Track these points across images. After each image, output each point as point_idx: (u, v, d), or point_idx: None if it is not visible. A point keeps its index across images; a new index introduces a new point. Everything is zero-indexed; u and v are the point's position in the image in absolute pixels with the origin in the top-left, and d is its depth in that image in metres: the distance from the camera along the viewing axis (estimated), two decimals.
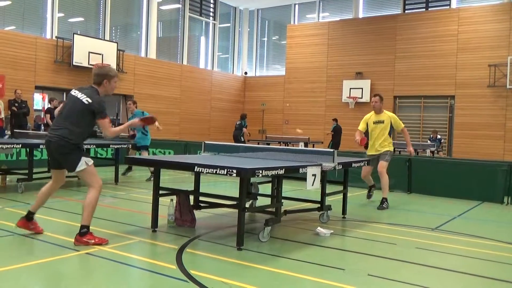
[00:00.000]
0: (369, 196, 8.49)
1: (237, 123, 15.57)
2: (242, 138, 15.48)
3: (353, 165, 6.56)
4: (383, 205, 7.65)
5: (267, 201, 6.00)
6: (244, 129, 15.55)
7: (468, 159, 11.94)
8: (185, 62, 21.42)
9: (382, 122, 7.86)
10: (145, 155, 10.74)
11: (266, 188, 6.88)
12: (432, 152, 15.28)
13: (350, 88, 20.13)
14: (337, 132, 17.34)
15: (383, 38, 19.88)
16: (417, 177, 9.76)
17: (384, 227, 6.14)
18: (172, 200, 5.61)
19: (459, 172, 9.32)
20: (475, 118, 17.83)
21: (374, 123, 7.94)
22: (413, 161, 10.00)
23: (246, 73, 24.37)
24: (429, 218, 7.06)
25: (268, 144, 16.57)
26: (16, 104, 12.18)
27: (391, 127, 7.90)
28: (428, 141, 16.87)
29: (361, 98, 19.87)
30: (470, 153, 16.98)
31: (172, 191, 5.59)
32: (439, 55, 18.62)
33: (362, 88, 19.88)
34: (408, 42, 19.33)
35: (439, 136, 16.99)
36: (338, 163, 5.78)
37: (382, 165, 7.75)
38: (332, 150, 5.93)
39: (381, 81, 19.77)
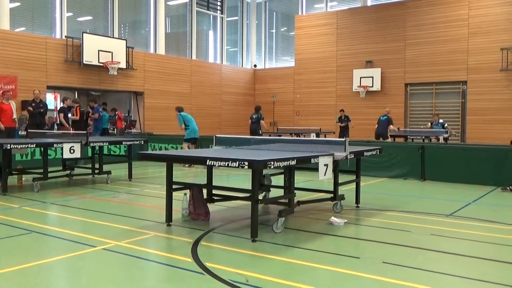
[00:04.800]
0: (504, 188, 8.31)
1: (253, 116, 15.37)
2: (260, 131, 15.34)
3: (365, 153, 6.54)
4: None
5: (280, 192, 6.01)
6: (262, 122, 15.47)
7: (481, 144, 11.82)
8: (194, 57, 21.44)
9: None
10: (184, 147, 12.24)
11: (279, 180, 6.89)
12: (446, 138, 15.10)
13: (361, 77, 19.95)
14: (344, 122, 17.20)
15: (393, 26, 19.67)
16: (430, 164, 9.71)
17: (398, 215, 6.12)
18: (185, 194, 5.66)
19: (472, 157, 9.24)
20: (488, 103, 17.59)
21: None
22: (426, 148, 9.95)
23: (255, 65, 24.31)
24: (444, 204, 7.02)
25: (280, 136, 16.48)
26: (33, 104, 12.32)
27: None
28: (429, 124, 16.37)
29: (372, 87, 19.69)
30: (483, 139, 16.77)
31: (185, 185, 5.63)
32: (450, 40, 18.37)
33: (372, 77, 19.71)
34: (418, 29, 19.10)
35: (441, 121, 16.58)
36: (350, 153, 5.78)
37: None
38: (343, 139, 5.92)
39: (391, 69, 19.59)
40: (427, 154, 9.78)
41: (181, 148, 12.64)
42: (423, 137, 15.29)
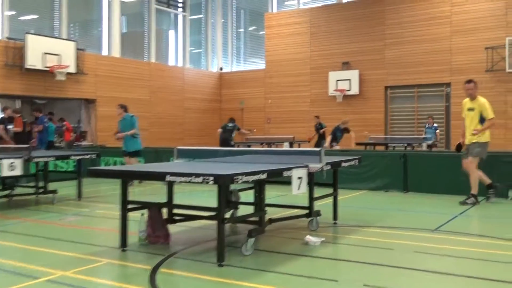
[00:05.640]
0: (486, 198, 8.52)
1: (229, 125, 15.45)
2: (232, 142, 15.45)
3: (343, 164, 6.58)
4: (467, 201, 8.08)
5: (249, 210, 5.98)
6: (242, 130, 15.72)
7: None
8: (153, 60, 21.30)
9: (473, 110, 8.25)
10: (132, 162, 11.33)
11: (248, 196, 6.85)
12: (430, 145, 15.42)
13: (337, 80, 20.22)
14: (318, 134, 17.27)
15: (371, 24, 20.05)
16: (413, 174, 9.85)
17: (379, 231, 6.17)
18: (142, 214, 5.56)
19: (458, 166, 9.37)
20: None
21: (467, 110, 8.36)
22: (409, 156, 10.10)
23: (221, 68, 24.35)
24: (429, 218, 7.12)
25: (249, 146, 16.55)
26: None
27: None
28: (424, 130, 16.81)
29: (349, 90, 19.96)
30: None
31: (142, 205, 5.54)
32: (433, 40, 18.84)
33: (350, 80, 19.99)
34: (397, 27, 19.53)
35: (435, 125, 16.99)
36: (326, 163, 5.80)
37: (468, 161, 8.24)
38: (318, 149, 5.94)
39: (370, 71, 19.94)
40: (409, 163, 9.93)
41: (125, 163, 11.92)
42: (405, 145, 15.59)
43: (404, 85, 19.45)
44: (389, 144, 16.23)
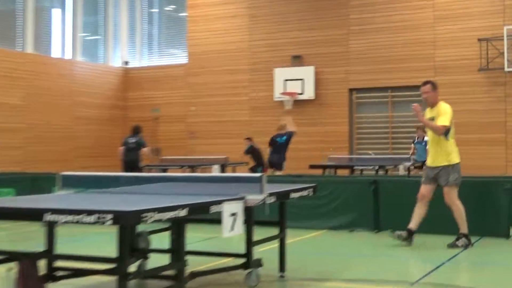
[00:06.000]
0: (405, 239, 8.57)
1: (130, 140, 15.20)
2: (140, 164, 15.23)
3: (292, 195, 6.61)
4: (457, 242, 8.23)
5: (164, 259, 5.89)
6: (144, 149, 15.38)
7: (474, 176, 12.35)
8: (29, 50, 20.82)
9: (433, 119, 8.44)
10: None
11: (163, 240, 6.77)
12: (408, 168, 15.76)
13: (285, 80, 20.37)
14: (255, 155, 17.32)
15: (331, 5, 20.33)
16: (387, 207, 9.97)
17: (342, 286, 6.22)
18: (10, 269, 5.36)
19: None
20: (464, 116, 18.17)
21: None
22: (381, 183, 10.24)
23: (127, 63, 24.09)
24: (407, 266, 7.28)
25: (165, 170, 16.41)
26: None
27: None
28: (412, 146, 16.92)
29: (302, 94, 20.15)
30: (462, 168, 17.68)
31: (9, 255, 5.36)
32: (411, 28, 19.24)
33: (303, 79, 20.18)
34: (366, 10, 19.84)
35: (426, 138, 17.13)
36: (270, 194, 5.82)
37: (446, 194, 8.40)
38: (259, 175, 5.96)
39: (330, 67, 20.17)
40: (382, 192, 10.07)
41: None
42: (377, 167, 15.76)
43: (375, 87, 19.76)
44: (356, 167, 16.44)
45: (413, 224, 8.44)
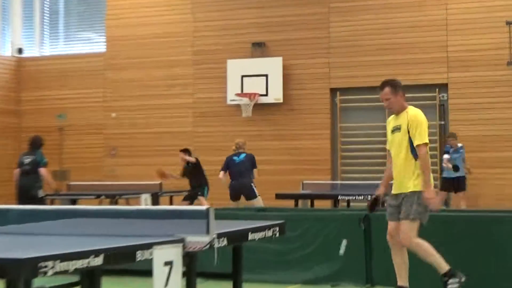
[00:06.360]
0: None
1: (25, 160, 15.15)
2: (39, 192, 15.09)
3: (251, 236, 6.54)
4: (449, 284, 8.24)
5: None
6: (42, 169, 15.27)
7: (476, 209, 12.41)
8: None
9: (399, 129, 8.49)
10: None
11: None
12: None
13: (243, 76, 20.41)
14: (194, 174, 17.18)
15: None
16: (382, 252, 9.98)
17: None
18: None
19: (460, 234, 9.67)
20: (488, 126, 18.53)
21: (391, 132, 8.63)
22: (374, 220, 10.23)
23: (20, 50, 23.92)
24: None
25: (74, 201, 16.30)
26: None
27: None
28: (446, 156, 16.96)
29: (266, 95, 20.17)
30: (483, 195, 17.78)
31: None
32: (414, 5, 19.49)
33: (266, 75, 20.22)
34: None
35: (460, 144, 17.17)
36: (219, 235, 5.76)
37: (403, 232, 8.33)
38: (204, 208, 5.90)
39: (303, 59, 20.30)
40: (376, 231, 10.08)
41: None
42: (368, 197, 15.80)
43: (365, 86, 19.81)
44: (341, 197, 16.42)
45: (401, 281, 8.49)
